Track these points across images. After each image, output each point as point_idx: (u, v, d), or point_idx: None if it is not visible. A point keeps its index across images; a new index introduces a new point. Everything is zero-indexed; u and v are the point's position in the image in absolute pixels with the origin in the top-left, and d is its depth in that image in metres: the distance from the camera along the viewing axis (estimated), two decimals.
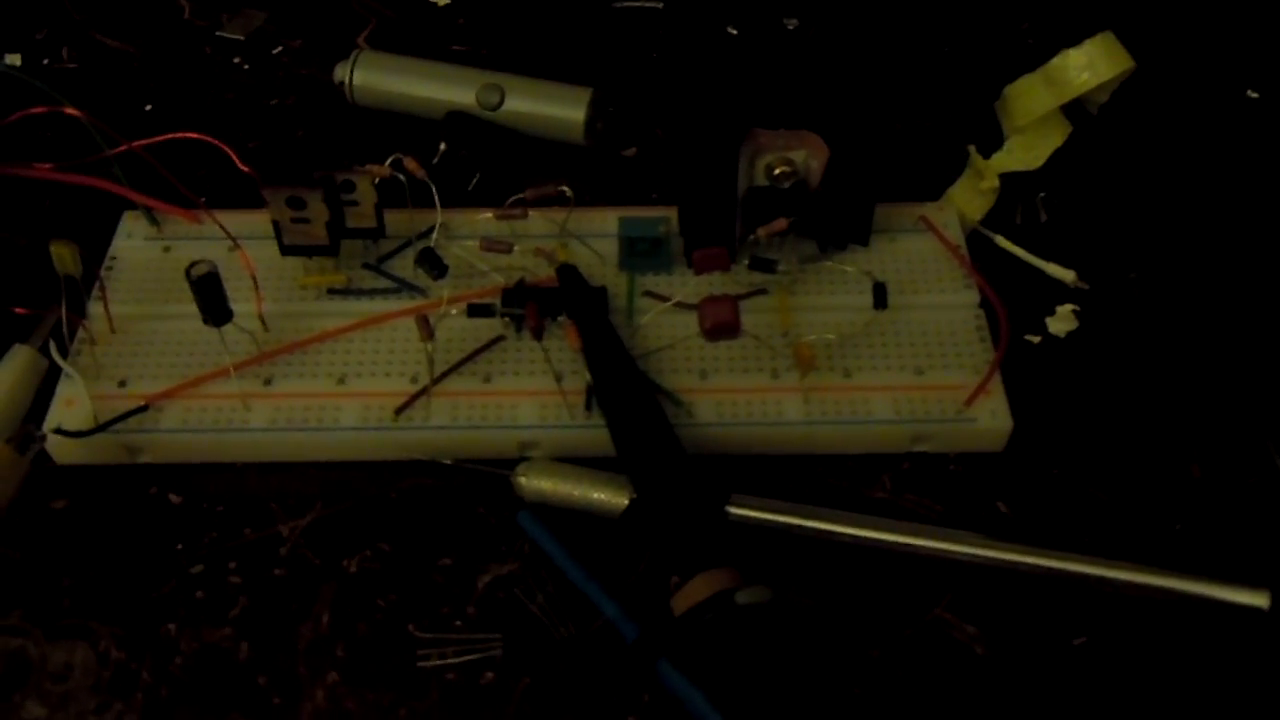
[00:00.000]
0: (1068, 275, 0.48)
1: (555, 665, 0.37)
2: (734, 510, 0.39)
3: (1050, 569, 0.39)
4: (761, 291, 0.44)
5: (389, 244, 0.46)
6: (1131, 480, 0.42)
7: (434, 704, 0.36)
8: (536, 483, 0.40)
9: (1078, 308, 0.47)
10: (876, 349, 0.43)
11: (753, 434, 0.41)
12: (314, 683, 0.37)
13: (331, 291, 0.45)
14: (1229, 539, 0.40)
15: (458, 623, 0.38)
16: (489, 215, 0.45)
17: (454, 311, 0.43)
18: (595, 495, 0.40)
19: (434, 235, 0.45)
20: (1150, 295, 0.48)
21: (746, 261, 0.44)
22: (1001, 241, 0.49)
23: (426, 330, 0.39)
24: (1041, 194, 0.51)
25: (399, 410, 0.41)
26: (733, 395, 0.42)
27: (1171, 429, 0.43)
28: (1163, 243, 0.50)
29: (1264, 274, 0.48)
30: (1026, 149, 0.48)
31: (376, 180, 0.44)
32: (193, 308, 0.40)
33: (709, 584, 0.35)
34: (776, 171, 0.43)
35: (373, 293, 0.45)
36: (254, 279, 0.43)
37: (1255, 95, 0.56)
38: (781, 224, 0.43)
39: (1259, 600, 0.38)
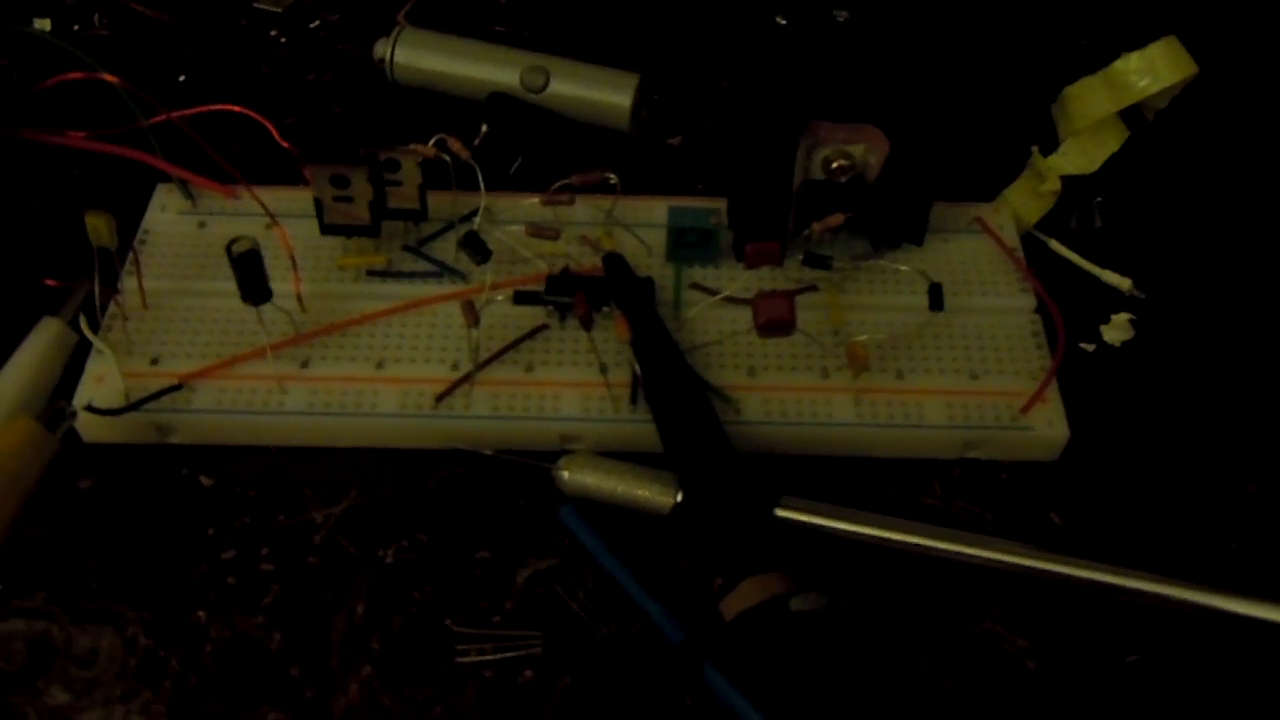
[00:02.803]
0: (1124, 283, 0.46)
1: (596, 665, 0.36)
2: (782, 513, 0.38)
3: (1103, 583, 0.38)
4: (812, 288, 0.43)
5: (430, 226, 0.45)
6: (1187, 496, 0.41)
7: (470, 701, 0.35)
8: (579, 477, 0.39)
9: (1134, 316, 0.45)
10: (930, 351, 0.42)
11: (802, 434, 0.40)
12: (348, 676, 0.36)
13: (371, 273, 0.44)
14: None
15: (496, 618, 0.37)
16: (534, 200, 0.44)
17: (498, 298, 0.42)
18: (640, 492, 0.38)
19: (477, 219, 0.44)
20: (1207, 307, 0.46)
21: (800, 257, 0.43)
22: (1056, 246, 0.48)
23: (472, 316, 0.38)
24: (1098, 199, 0.49)
25: (440, 397, 0.40)
26: (782, 394, 0.41)
27: (1228, 445, 0.42)
28: (1220, 254, 0.48)
29: None
30: (1082, 152, 0.47)
31: (421, 160, 0.42)
32: (228, 285, 0.39)
33: (762, 588, 0.34)
34: (834, 165, 0.42)
35: (413, 276, 0.43)
36: (292, 258, 0.42)
37: None
38: (838, 219, 0.42)
39: None
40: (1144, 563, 0.38)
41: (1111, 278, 0.47)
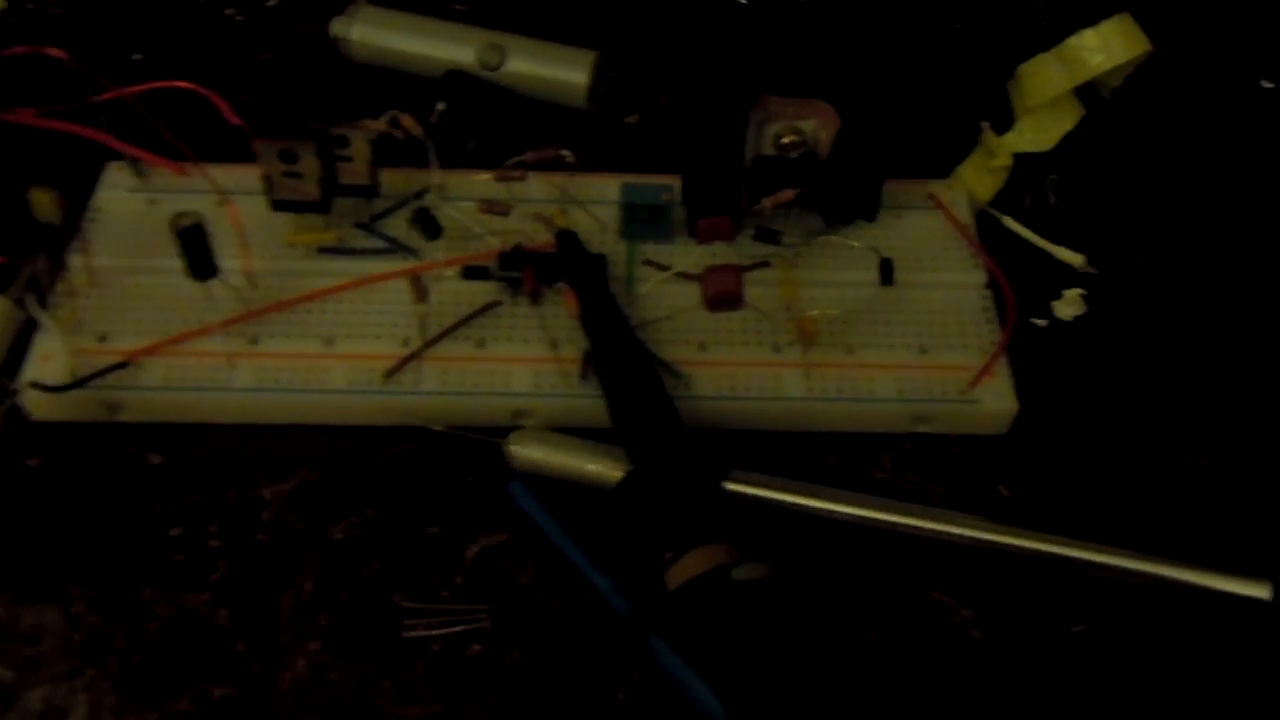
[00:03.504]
0: (1076, 259, 0.47)
1: (544, 638, 0.36)
2: (732, 486, 0.38)
3: (1050, 554, 0.38)
4: (765, 264, 0.43)
5: (383, 203, 0.44)
6: (1135, 469, 0.41)
7: (419, 676, 0.35)
8: (529, 452, 0.39)
9: (1085, 292, 0.46)
10: (880, 326, 0.42)
11: (752, 409, 0.40)
12: (295, 651, 0.36)
13: (322, 250, 0.43)
14: (1231, 530, 0.40)
15: (445, 593, 0.37)
16: (487, 177, 0.44)
17: (448, 274, 0.42)
18: (589, 467, 0.38)
19: (429, 195, 0.44)
20: (1159, 282, 0.47)
21: (751, 233, 0.43)
22: (1009, 223, 0.48)
23: (420, 292, 0.38)
24: (1052, 176, 0.50)
25: (389, 373, 0.40)
26: (732, 369, 0.41)
27: (1177, 418, 0.43)
28: (1172, 230, 0.49)
29: (1274, 264, 0.47)
30: (1038, 130, 0.47)
31: (372, 136, 0.42)
32: (178, 262, 0.39)
33: (705, 559, 0.34)
34: (785, 140, 0.42)
35: (364, 252, 0.43)
36: (242, 234, 0.41)
37: (1269, 85, 0.55)
38: (788, 195, 0.42)
39: (1260, 591, 0.37)
40: (1091, 534, 0.38)
41: (1064, 254, 0.47)
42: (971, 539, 0.38)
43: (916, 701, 0.36)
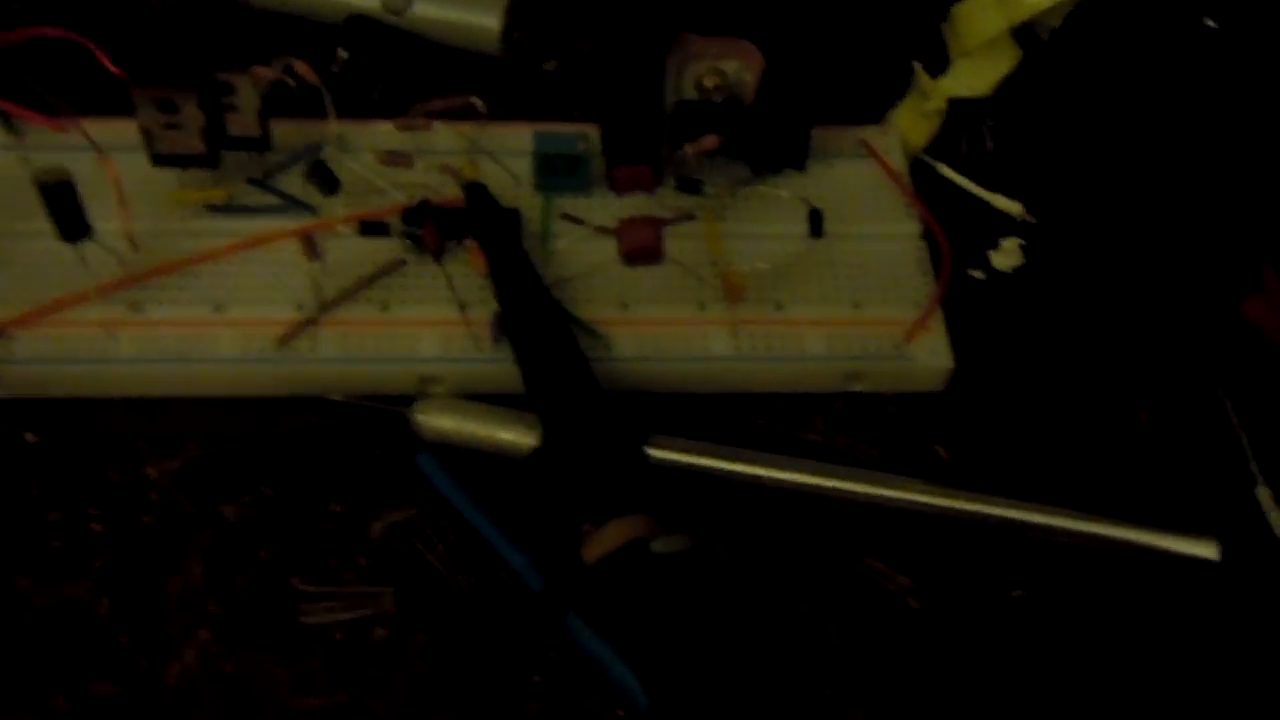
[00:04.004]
0: (1014, 207, 0.45)
1: (455, 620, 0.34)
2: (654, 452, 0.36)
3: (989, 516, 0.36)
4: (689, 217, 0.41)
5: (277, 157, 0.41)
6: (1077, 426, 0.40)
7: (319, 665, 0.33)
8: (437, 421, 0.36)
9: (1024, 242, 0.44)
10: (811, 281, 0.40)
11: (676, 370, 0.38)
12: (183, 642, 0.33)
13: (211, 209, 0.40)
14: (1177, 488, 0.38)
15: (348, 575, 0.34)
16: (389, 127, 0.41)
17: (347, 232, 0.39)
18: (502, 435, 0.36)
19: (327, 148, 0.41)
20: (1100, 231, 0.45)
21: (673, 184, 0.41)
22: (945, 171, 0.46)
23: (312, 250, 0.35)
24: (988, 122, 0.48)
25: (284, 340, 0.37)
26: (655, 328, 0.38)
27: (1120, 372, 0.41)
28: (1114, 176, 0.47)
29: (1218, 209, 0.46)
30: (974, 74, 0.45)
31: (260, 84, 0.39)
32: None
33: (623, 531, 0.31)
34: (707, 84, 0.39)
35: (257, 210, 0.40)
36: (119, 191, 0.38)
37: (1213, 25, 0.54)
38: (712, 141, 0.39)
39: (1207, 551, 0.36)
40: (1033, 495, 0.36)
41: (1002, 202, 0.45)
42: (907, 502, 0.36)
43: (851, 674, 0.34)
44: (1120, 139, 0.48)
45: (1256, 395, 0.40)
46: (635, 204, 0.41)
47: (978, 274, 0.43)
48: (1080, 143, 0.48)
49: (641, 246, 0.35)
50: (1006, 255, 0.43)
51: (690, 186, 0.40)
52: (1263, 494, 0.38)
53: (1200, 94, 0.50)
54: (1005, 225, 0.45)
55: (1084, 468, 0.39)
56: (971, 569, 0.36)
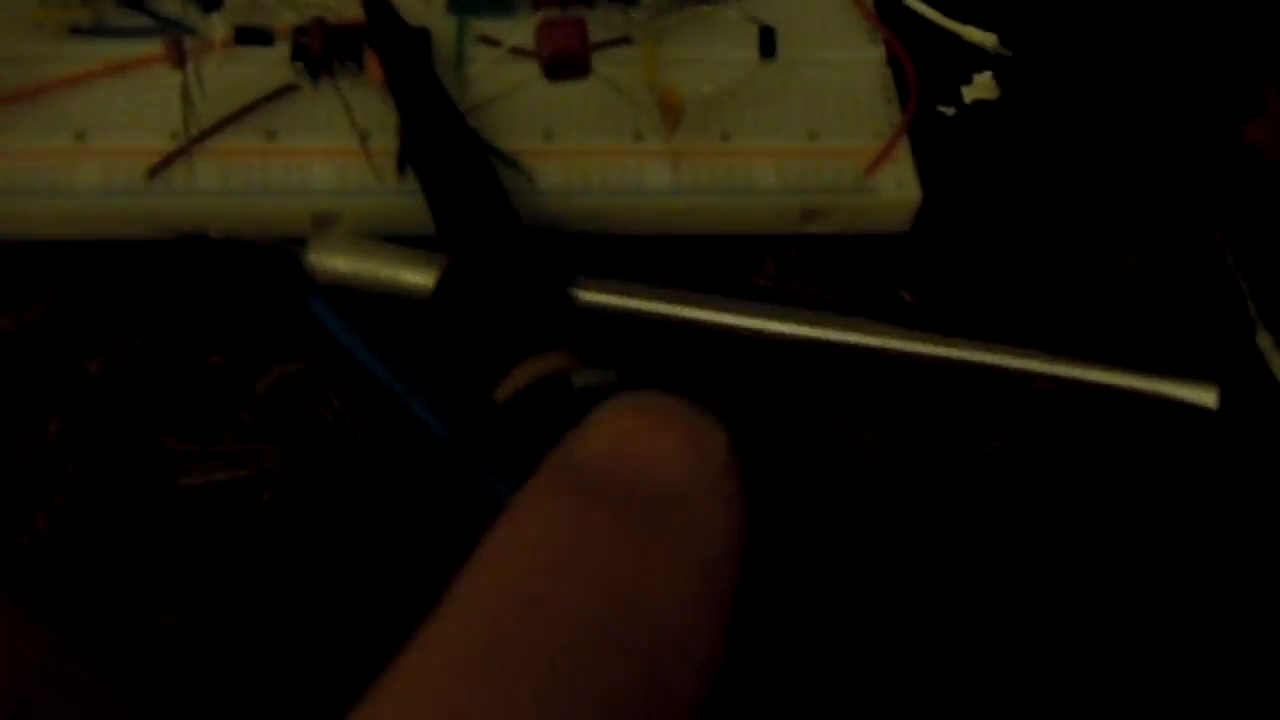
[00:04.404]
0: (988, 39, 0.40)
1: (348, 479, 0.29)
2: (581, 294, 0.32)
3: (959, 360, 0.32)
4: (624, 40, 0.36)
5: None
6: (1057, 269, 0.35)
7: (193, 530, 0.28)
8: (333, 261, 0.32)
9: (998, 74, 0.39)
10: (762, 109, 0.35)
11: (609, 205, 0.34)
12: (35, 508, 0.29)
13: (76, 31, 0.35)
14: (1168, 336, 0.34)
15: (227, 433, 0.30)
16: None
17: (229, 55, 0.34)
18: (407, 277, 0.31)
19: None
20: (1081, 59, 0.40)
21: None
22: (911, 1, 0.41)
23: (176, 55, 0.30)
24: None
25: (154, 170, 0.32)
26: (584, 159, 0.34)
27: (1104, 210, 0.37)
28: (1094, 4, 0.42)
29: (1211, 25, 0.41)
30: None
31: None
32: None
33: (539, 366, 0.27)
34: None
35: (128, 33, 0.35)
36: None
37: None
38: None
39: (1205, 397, 0.32)
40: (1007, 340, 0.32)
41: (973, 34, 0.40)
42: (867, 347, 0.32)
43: (806, 538, 0.30)
44: None
45: (1256, 232, 0.36)
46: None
47: (948, 110, 0.39)
48: None
49: (563, 51, 0.31)
50: (980, 90, 0.39)
51: None
52: (1264, 340, 0.34)
53: None
54: (978, 59, 0.40)
55: (1065, 316, 0.34)
56: (940, 421, 0.32)
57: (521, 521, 0.17)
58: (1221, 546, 0.31)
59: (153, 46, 0.34)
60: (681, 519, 0.17)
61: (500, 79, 0.35)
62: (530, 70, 0.35)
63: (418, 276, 0.31)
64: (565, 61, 0.31)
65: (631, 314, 0.32)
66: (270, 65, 0.34)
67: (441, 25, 0.36)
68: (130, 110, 0.33)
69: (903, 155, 0.35)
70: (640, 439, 0.18)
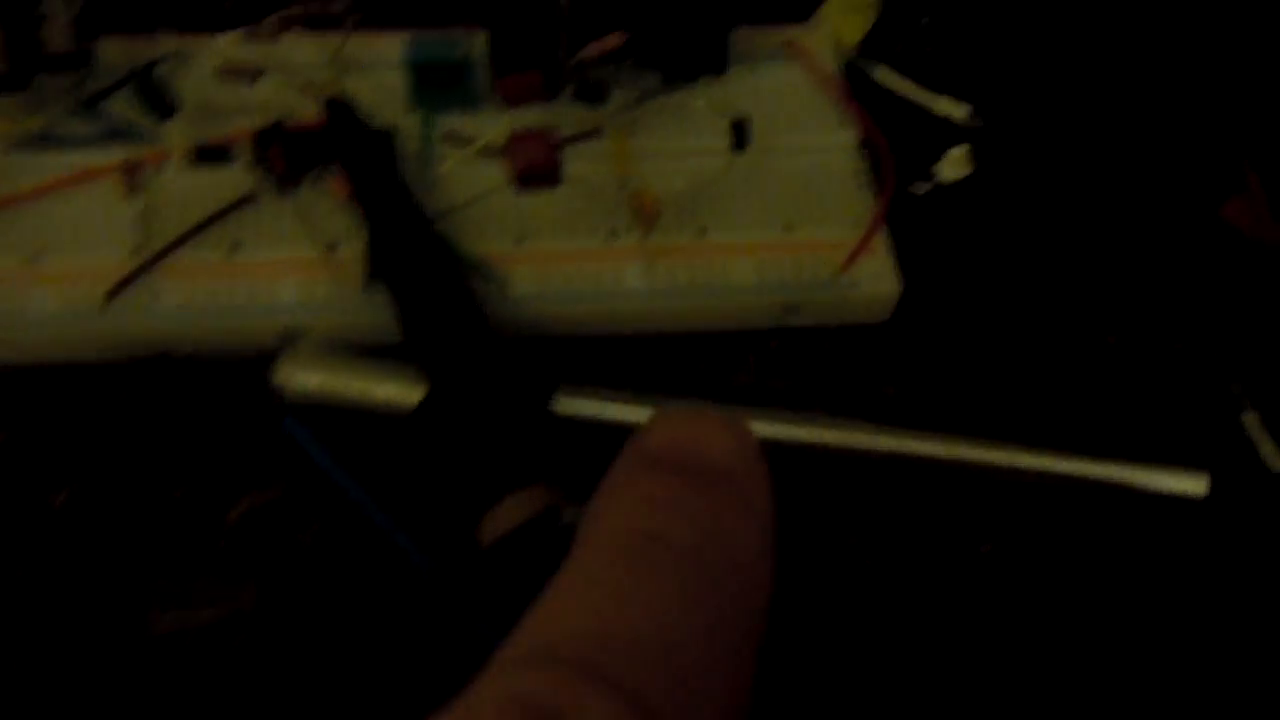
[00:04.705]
0: (960, 111, 0.40)
1: (328, 613, 0.28)
2: (562, 407, 0.31)
3: (948, 458, 0.31)
4: (594, 133, 0.35)
5: (101, 79, 0.35)
6: (1038, 353, 0.35)
7: (168, 676, 0.27)
8: (304, 378, 0.31)
9: (972, 148, 0.39)
10: (737, 201, 0.35)
11: (585, 310, 0.33)
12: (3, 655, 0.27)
13: (21, 144, 0.34)
14: (1153, 418, 0.34)
15: (200, 569, 0.29)
16: (233, 37, 0.34)
17: (186, 163, 0.33)
18: (380, 391, 0.30)
19: (162, 64, 0.34)
20: (1057, 132, 0.40)
21: (571, 91, 0.35)
22: (882, 74, 0.41)
23: (129, 182, 0.29)
24: (925, 18, 0.42)
25: (112, 292, 0.31)
26: (558, 262, 0.33)
27: (1083, 291, 0.36)
28: (1071, 68, 0.42)
29: (1190, 102, 0.41)
30: None
31: None
32: None
33: (524, 506, 0.26)
34: None
35: (79, 142, 0.34)
36: None
37: None
38: (615, 40, 0.33)
39: (1195, 486, 0.31)
40: (992, 433, 0.32)
41: (946, 106, 0.40)
42: (853, 447, 0.31)
43: (803, 650, 0.29)
44: (1077, 25, 0.43)
45: (1237, 311, 0.36)
46: (530, 119, 0.35)
47: (923, 187, 0.38)
48: (1031, 33, 0.43)
49: (534, 165, 0.30)
50: (954, 165, 0.39)
51: (592, 94, 0.35)
52: (1250, 420, 0.34)
53: None
54: (950, 133, 0.40)
55: (1049, 398, 0.34)
56: (932, 523, 0.31)
57: (618, 489, 0.23)
58: (1216, 639, 0.30)
59: (106, 156, 0.33)
60: (735, 490, 0.23)
61: (469, 180, 0.34)
62: (500, 170, 0.34)
63: (392, 391, 0.30)
64: (537, 173, 0.30)
65: (615, 424, 0.31)
66: (230, 173, 0.33)
67: (405, 121, 0.35)
68: (85, 226, 0.32)
69: (880, 247, 0.34)
70: (690, 434, 0.24)
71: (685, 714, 0.20)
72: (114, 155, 0.33)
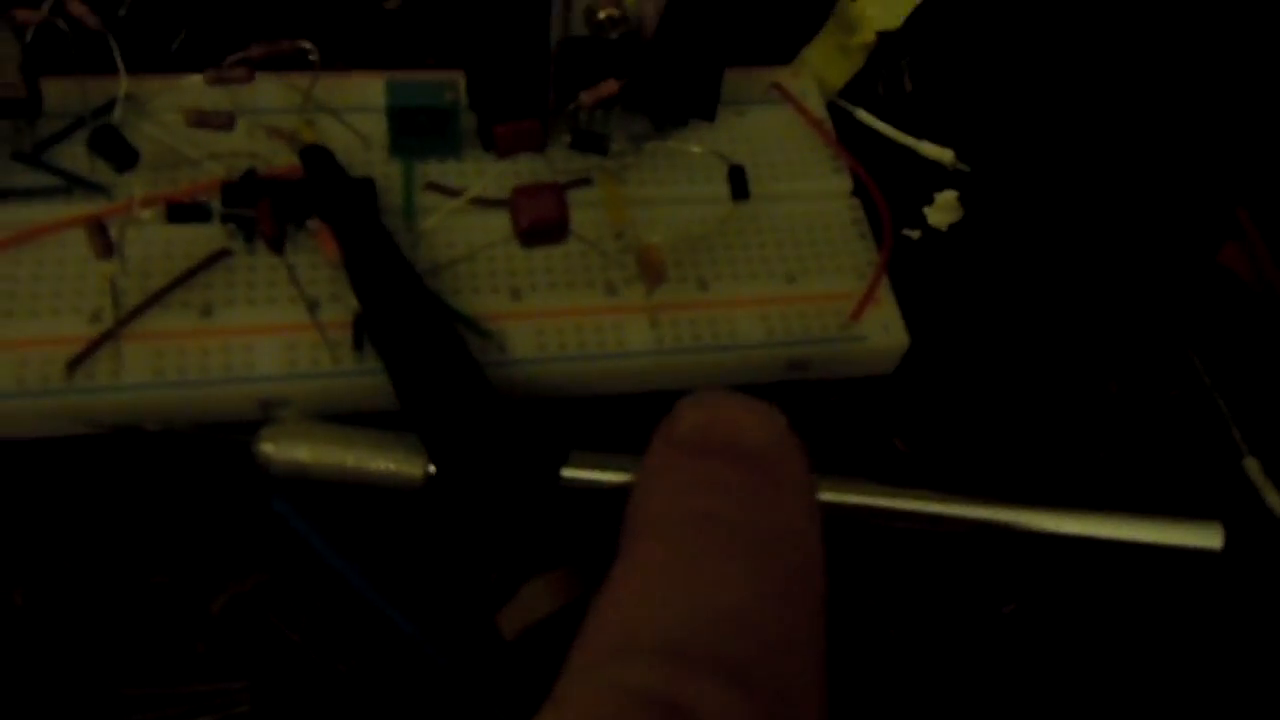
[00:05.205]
0: (945, 155, 0.39)
1: (329, 716, 0.26)
2: (571, 473, 0.29)
3: (969, 519, 0.31)
4: (585, 181, 0.34)
5: (52, 125, 0.32)
6: (1041, 403, 0.35)
7: None
8: (290, 452, 0.28)
9: (960, 194, 0.38)
10: (737, 251, 0.34)
11: (588, 370, 0.31)
12: None
13: None
14: (1157, 460, 0.34)
15: (182, 670, 0.26)
16: (198, 79, 0.32)
17: (148, 216, 0.30)
18: (378, 464, 0.28)
19: (117, 109, 0.32)
20: (1046, 176, 0.40)
21: (567, 140, 0.33)
22: (864, 116, 0.40)
23: (102, 244, 0.27)
24: (905, 59, 0.42)
25: (73, 364, 0.28)
26: (558, 320, 0.31)
27: (1082, 338, 0.36)
28: (1057, 110, 0.42)
29: (1182, 144, 0.41)
30: (883, 5, 0.39)
31: (24, 27, 0.30)
32: None
33: (549, 595, 0.24)
34: (600, 15, 0.32)
35: (28, 194, 0.31)
36: None
37: None
38: (611, 86, 0.32)
39: (1211, 540, 0.31)
40: (1006, 486, 0.31)
41: (931, 150, 0.39)
42: (870, 508, 0.30)
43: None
44: (1061, 64, 0.43)
45: (1235, 355, 0.36)
46: (518, 169, 0.34)
47: (913, 234, 0.38)
48: (1016, 74, 0.43)
49: (543, 220, 0.28)
50: (943, 210, 0.38)
51: (591, 143, 0.33)
52: (1251, 466, 0.34)
53: (1132, 13, 0.46)
54: (937, 176, 0.39)
55: (1055, 451, 0.34)
56: (952, 585, 0.31)
57: (656, 476, 0.23)
58: (1241, 694, 0.30)
59: (60, 210, 0.31)
60: (771, 466, 0.23)
61: (457, 232, 0.32)
62: (490, 221, 0.32)
63: (389, 463, 0.28)
64: (545, 229, 0.28)
65: (625, 489, 0.29)
66: (198, 228, 0.31)
67: (384, 171, 0.33)
68: (41, 288, 0.29)
69: (885, 297, 0.33)
70: (718, 416, 0.24)
71: (783, 682, 0.20)
72: (69, 210, 0.30)
